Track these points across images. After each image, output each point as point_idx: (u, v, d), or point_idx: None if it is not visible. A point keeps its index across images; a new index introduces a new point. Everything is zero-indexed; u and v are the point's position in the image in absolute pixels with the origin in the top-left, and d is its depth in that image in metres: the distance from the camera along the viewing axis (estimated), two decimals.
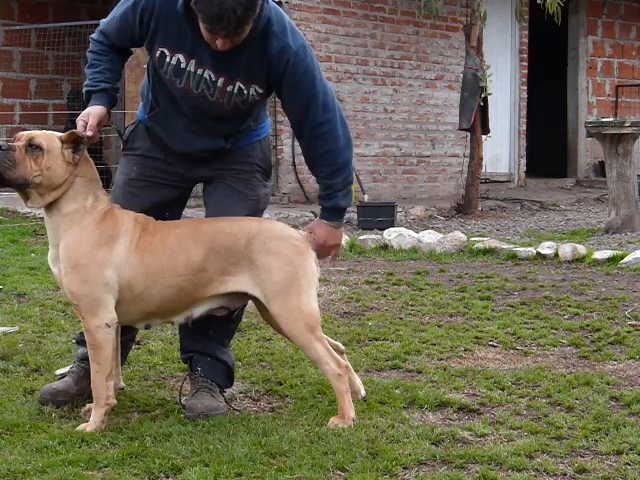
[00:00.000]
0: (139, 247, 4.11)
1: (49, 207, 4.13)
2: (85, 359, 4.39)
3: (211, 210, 4.47)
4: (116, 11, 4.27)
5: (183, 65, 4.15)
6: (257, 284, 4.14)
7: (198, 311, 4.24)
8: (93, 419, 4.07)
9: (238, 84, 4.16)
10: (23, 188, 4.08)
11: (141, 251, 4.10)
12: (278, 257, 4.14)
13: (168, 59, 4.16)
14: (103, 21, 4.35)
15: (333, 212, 4.35)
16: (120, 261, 4.07)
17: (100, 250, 4.06)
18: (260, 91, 4.20)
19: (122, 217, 4.16)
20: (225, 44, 3.98)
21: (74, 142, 4.14)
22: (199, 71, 4.15)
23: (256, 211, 4.45)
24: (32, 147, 4.07)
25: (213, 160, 4.41)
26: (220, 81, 4.15)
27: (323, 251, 4.39)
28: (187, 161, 4.36)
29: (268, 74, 4.15)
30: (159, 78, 4.26)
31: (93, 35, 4.35)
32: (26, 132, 4.16)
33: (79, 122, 4.19)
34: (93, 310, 4.05)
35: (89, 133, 4.18)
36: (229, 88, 4.16)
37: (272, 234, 4.20)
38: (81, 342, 4.47)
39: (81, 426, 4.07)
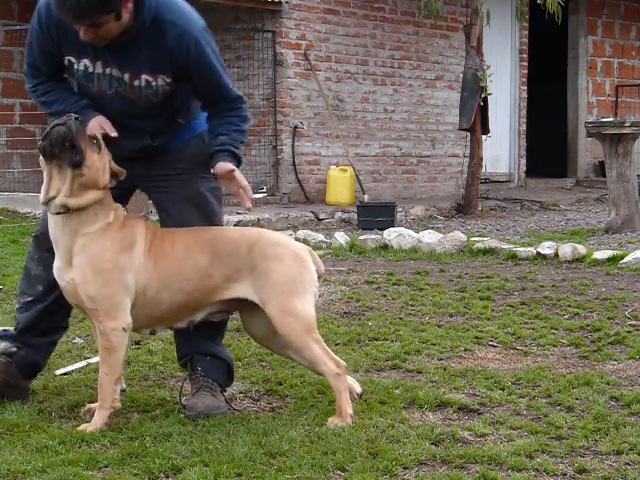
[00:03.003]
0: (152, 252, 4.16)
1: (67, 223, 4.10)
2: (3, 354, 4.45)
3: (166, 224, 4.44)
4: (29, 40, 4.28)
5: (90, 69, 4.18)
6: (256, 289, 4.18)
7: (199, 315, 4.28)
8: (96, 420, 4.07)
9: (144, 77, 4.17)
10: (77, 165, 4.03)
11: (154, 255, 4.16)
12: (278, 262, 4.18)
13: (76, 66, 4.20)
14: (26, 62, 4.35)
15: (237, 159, 4.32)
16: (138, 265, 4.12)
17: (122, 255, 4.10)
18: (168, 80, 4.19)
19: (136, 223, 4.21)
20: (86, 34, 3.99)
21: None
22: (107, 70, 4.18)
23: (210, 212, 4.43)
24: (94, 140, 4.12)
25: (148, 160, 4.38)
26: (126, 76, 4.18)
27: (245, 186, 4.30)
28: (122, 161, 4.32)
29: (172, 62, 4.15)
30: (79, 85, 4.31)
31: (28, 86, 4.36)
32: None
33: (95, 130, 4.18)
34: (112, 313, 4.07)
35: (114, 134, 4.20)
36: (136, 82, 4.18)
37: (272, 241, 4.26)
38: (4, 337, 4.52)
39: (82, 426, 4.07)
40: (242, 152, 4.37)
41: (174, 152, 4.41)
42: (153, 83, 4.19)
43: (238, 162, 4.31)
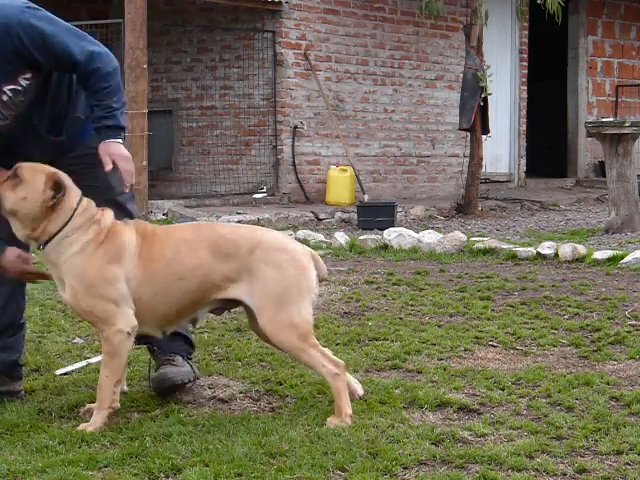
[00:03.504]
0: (141, 257, 4.14)
1: (47, 254, 4.13)
2: None
3: None
4: None
5: None
6: (251, 294, 4.17)
7: (201, 312, 4.30)
8: (95, 420, 4.08)
9: (7, 88, 4.12)
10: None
11: (143, 261, 4.14)
12: (276, 269, 4.15)
13: None
14: None
15: (116, 130, 4.26)
16: (128, 273, 4.11)
17: (108, 268, 4.09)
18: (29, 75, 4.14)
19: (123, 231, 4.18)
20: None
21: (54, 185, 4.10)
22: None
23: (120, 211, 4.36)
24: (14, 175, 4.07)
25: (57, 155, 4.35)
26: None
27: (127, 165, 4.23)
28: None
29: (17, 58, 4.07)
30: None
31: None
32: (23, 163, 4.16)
33: (127, 176, 4.22)
34: (111, 320, 4.08)
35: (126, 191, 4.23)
36: (4, 98, 4.13)
37: (273, 245, 4.22)
38: None
39: (82, 426, 4.07)
40: (124, 104, 4.29)
41: (82, 146, 4.38)
42: (18, 87, 4.13)
43: (119, 129, 4.25)
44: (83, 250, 4.10)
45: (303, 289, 4.17)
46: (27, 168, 4.10)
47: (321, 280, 4.35)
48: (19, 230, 4.14)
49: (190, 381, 4.57)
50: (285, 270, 4.15)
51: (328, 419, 4.12)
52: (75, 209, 4.13)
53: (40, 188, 4.06)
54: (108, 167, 4.18)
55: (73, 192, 4.15)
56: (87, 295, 4.07)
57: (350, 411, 4.14)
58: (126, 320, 4.10)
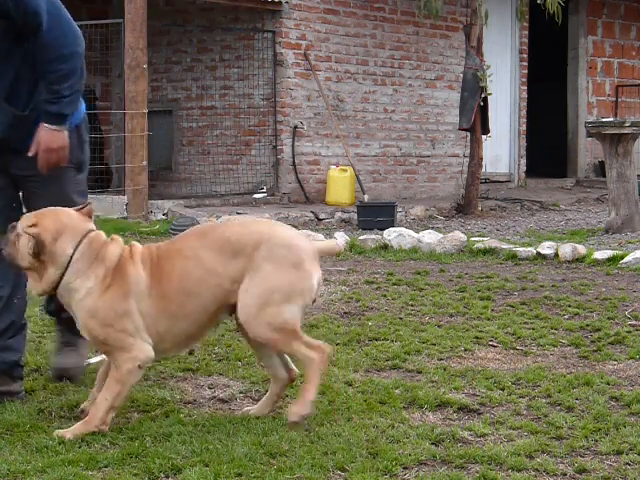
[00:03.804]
0: (152, 295, 4.05)
1: (61, 299, 4.14)
2: None
3: None
4: None
5: None
6: (245, 289, 4.05)
7: (221, 319, 4.28)
8: (75, 429, 3.98)
9: None
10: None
11: (154, 297, 4.05)
12: (275, 266, 4.04)
13: None
14: None
15: (57, 117, 4.27)
16: (141, 311, 4.04)
17: (119, 305, 4.02)
18: None
19: (128, 270, 4.06)
20: None
21: (34, 236, 4.03)
22: None
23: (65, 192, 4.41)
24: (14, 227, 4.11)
25: (20, 159, 4.33)
26: None
27: (48, 155, 4.25)
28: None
29: None
30: None
31: None
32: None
33: (42, 161, 4.29)
34: (123, 348, 4.02)
35: None
36: None
37: (279, 242, 4.10)
38: None
39: (59, 431, 3.95)
40: (74, 93, 4.30)
41: None
42: None
43: (61, 118, 4.26)
44: (89, 295, 4.03)
45: (294, 291, 4.06)
46: (22, 219, 4.10)
47: (337, 255, 4.29)
48: (32, 285, 4.12)
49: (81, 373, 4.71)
50: (281, 268, 4.05)
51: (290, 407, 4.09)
52: (72, 255, 4.05)
53: (26, 241, 4.02)
54: (30, 153, 4.22)
55: (66, 237, 4.05)
56: (101, 328, 4.03)
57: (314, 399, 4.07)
58: (140, 351, 4.02)
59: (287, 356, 4.30)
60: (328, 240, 4.33)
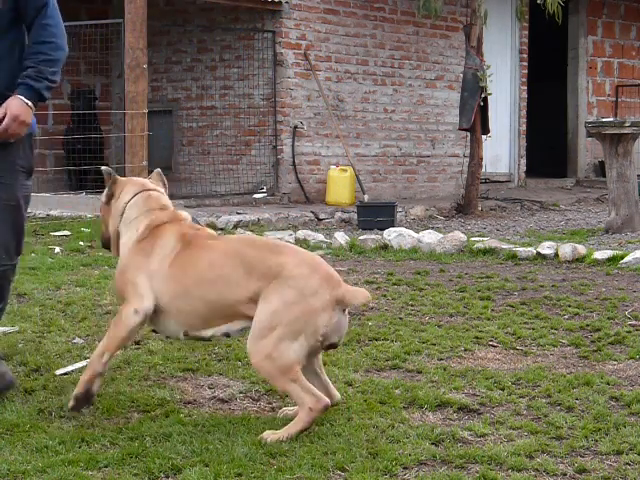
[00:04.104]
0: (173, 263, 4.27)
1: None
2: None
3: None
4: None
5: None
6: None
7: (233, 328, 4.24)
8: (81, 381, 4.30)
9: None
10: None
11: (173, 265, 4.27)
12: (282, 297, 4.03)
13: None
14: None
15: (34, 94, 4.32)
16: (153, 270, 4.29)
17: (138, 258, 4.37)
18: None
19: (163, 234, 4.37)
20: None
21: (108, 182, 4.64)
22: None
23: (18, 216, 4.45)
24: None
25: None
26: None
27: (12, 124, 4.28)
28: None
29: None
30: None
31: None
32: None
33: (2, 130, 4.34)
34: (128, 299, 4.30)
35: None
36: None
37: (296, 275, 4.06)
38: None
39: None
40: (54, 82, 4.38)
41: None
42: None
43: (38, 97, 4.33)
44: (126, 242, 4.44)
45: (298, 328, 3.99)
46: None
47: (361, 304, 4.34)
48: (101, 232, 4.71)
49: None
50: (289, 301, 4.01)
51: (266, 433, 3.95)
52: (127, 202, 4.49)
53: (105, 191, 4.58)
54: None
55: (128, 189, 4.52)
56: (120, 275, 4.41)
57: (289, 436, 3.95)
58: (139, 301, 4.24)
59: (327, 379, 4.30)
60: (358, 289, 4.24)
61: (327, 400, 4.03)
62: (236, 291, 4.12)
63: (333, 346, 4.17)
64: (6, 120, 4.24)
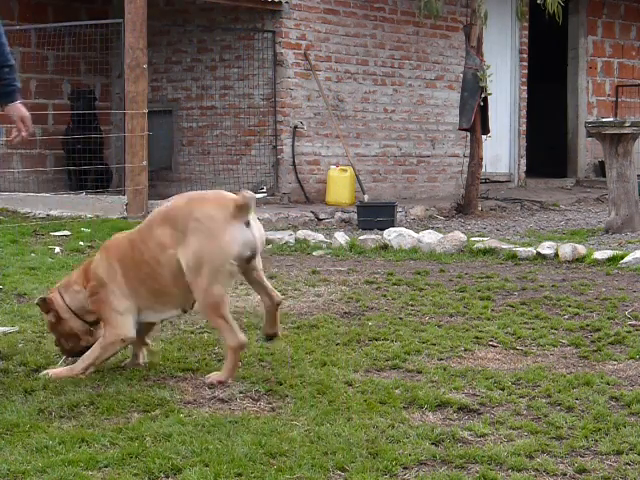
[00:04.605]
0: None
1: None
2: None
3: None
4: None
5: None
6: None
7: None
8: (59, 373, 4.84)
9: None
10: None
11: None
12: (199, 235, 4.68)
13: None
14: None
15: (19, 93, 5.00)
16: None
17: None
18: None
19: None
20: None
21: None
22: None
23: None
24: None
25: None
26: None
27: (29, 123, 4.99)
28: None
29: None
30: None
31: None
32: None
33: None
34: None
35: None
36: None
37: (199, 214, 4.71)
38: None
39: (50, 371, 4.85)
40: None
41: None
42: None
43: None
44: None
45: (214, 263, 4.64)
46: None
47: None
48: None
49: None
50: (200, 239, 4.65)
51: (210, 375, 4.79)
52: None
53: None
54: (23, 132, 4.95)
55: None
56: None
57: (233, 376, 4.76)
58: (121, 328, 4.91)
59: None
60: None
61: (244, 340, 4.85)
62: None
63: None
64: (26, 124, 4.92)
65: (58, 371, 4.88)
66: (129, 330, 4.86)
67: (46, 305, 4.97)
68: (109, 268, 4.86)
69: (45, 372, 4.86)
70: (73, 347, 5.00)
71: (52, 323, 4.99)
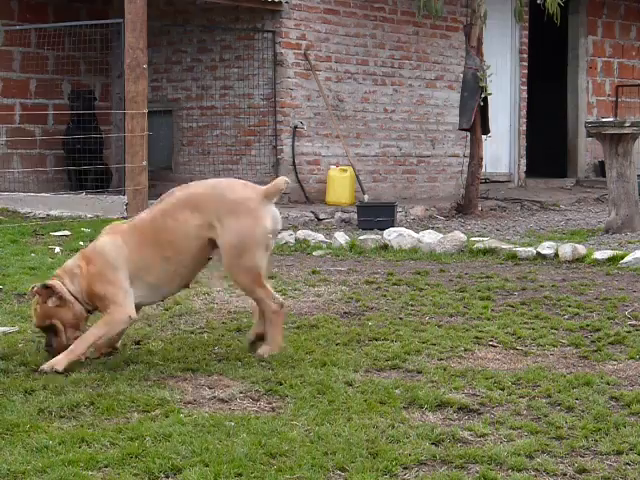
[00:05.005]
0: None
1: None
2: None
3: None
4: None
5: None
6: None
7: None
8: (60, 359, 4.90)
9: None
10: None
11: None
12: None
13: None
14: None
15: None
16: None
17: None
18: None
19: None
20: None
21: None
22: None
23: None
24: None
25: None
26: None
27: None
28: None
29: None
30: None
31: None
32: None
33: None
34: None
35: None
36: None
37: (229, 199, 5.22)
38: None
39: (47, 364, 4.90)
40: None
41: None
42: None
43: None
44: None
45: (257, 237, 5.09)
46: None
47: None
48: None
49: None
50: (241, 219, 5.07)
51: (261, 348, 5.15)
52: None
53: None
54: None
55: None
56: None
57: (282, 344, 5.16)
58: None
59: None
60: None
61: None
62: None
63: None
64: None
65: (56, 359, 4.91)
66: (133, 310, 5.07)
67: (48, 291, 4.98)
68: (118, 249, 5.06)
69: (41, 368, 4.88)
70: (66, 340, 5.04)
71: (50, 311, 5.01)
